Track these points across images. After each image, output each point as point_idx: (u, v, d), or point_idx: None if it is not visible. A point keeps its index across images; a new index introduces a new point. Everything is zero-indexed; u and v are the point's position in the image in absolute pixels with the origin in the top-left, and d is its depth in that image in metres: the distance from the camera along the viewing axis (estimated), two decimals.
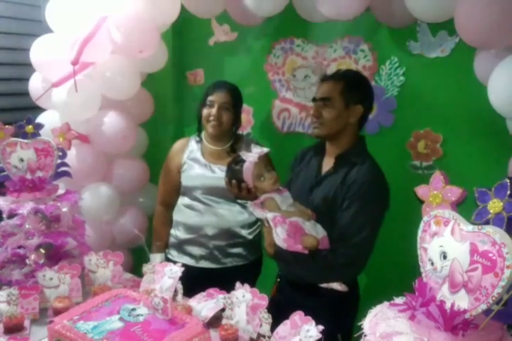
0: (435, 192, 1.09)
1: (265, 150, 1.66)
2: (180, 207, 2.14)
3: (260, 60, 2.42)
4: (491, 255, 0.92)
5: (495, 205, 1.02)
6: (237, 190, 1.69)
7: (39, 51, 2.29)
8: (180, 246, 2.12)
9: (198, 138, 2.14)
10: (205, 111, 2.02)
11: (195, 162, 2.09)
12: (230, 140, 2.10)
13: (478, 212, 1.04)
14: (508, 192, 1.01)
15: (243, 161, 1.65)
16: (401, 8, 1.76)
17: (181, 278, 1.84)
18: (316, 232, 1.59)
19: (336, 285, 1.64)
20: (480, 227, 0.96)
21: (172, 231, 2.18)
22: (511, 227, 0.98)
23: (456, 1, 1.60)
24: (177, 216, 2.15)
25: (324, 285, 1.65)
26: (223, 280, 1.62)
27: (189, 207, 2.10)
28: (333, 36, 2.16)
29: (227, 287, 1.49)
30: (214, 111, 1.99)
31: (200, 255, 2.08)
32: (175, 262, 1.99)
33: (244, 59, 2.48)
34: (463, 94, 1.85)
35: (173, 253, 2.15)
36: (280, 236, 1.58)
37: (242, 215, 2.06)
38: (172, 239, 2.17)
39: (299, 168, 1.84)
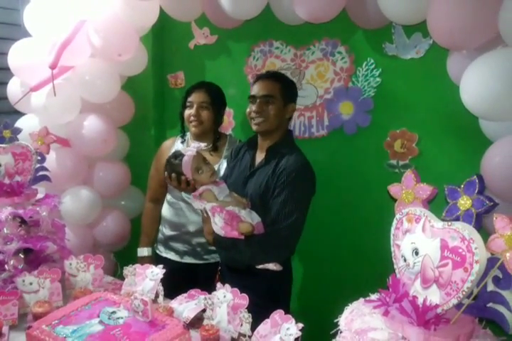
0: (407, 190, 1.12)
1: (202, 145, 1.78)
2: (166, 204, 2.24)
3: (240, 63, 2.43)
4: (460, 250, 0.95)
5: (464, 202, 1.04)
6: (177, 182, 1.78)
7: (17, 55, 2.27)
8: (166, 242, 2.22)
9: (181, 139, 2.21)
10: (186, 112, 2.11)
11: None
12: (212, 138, 2.15)
13: (449, 209, 1.06)
14: (477, 189, 1.03)
15: (182, 155, 1.74)
16: (375, 10, 1.79)
17: (168, 273, 1.95)
18: (251, 219, 1.71)
19: (272, 266, 1.76)
20: (450, 224, 0.99)
21: (160, 227, 2.28)
22: (480, 223, 1.01)
23: (428, 3, 1.63)
24: (164, 213, 2.25)
25: (260, 266, 1.76)
26: (207, 275, 1.71)
27: (173, 204, 2.19)
28: (311, 38, 2.18)
29: (212, 281, 1.51)
30: (193, 111, 2.06)
31: (183, 251, 2.17)
32: (162, 257, 2.20)
33: (225, 61, 2.49)
34: (437, 94, 1.89)
35: (161, 249, 2.25)
36: (218, 225, 1.70)
37: None
38: (160, 235, 2.27)
39: (233, 163, 1.97)
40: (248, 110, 1.84)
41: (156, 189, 2.27)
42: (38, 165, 1.88)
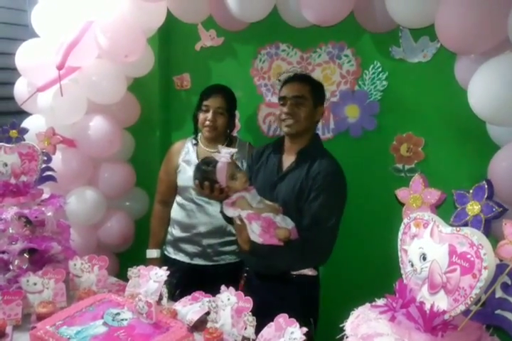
0: (415, 194, 1.11)
1: (234, 150, 1.71)
2: (176, 206, 2.23)
3: (246, 65, 2.43)
4: (469, 256, 0.94)
5: (473, 207, 1.04)
6: (210, 190, 1.71)
7: (25, 56, 2.28)
8: (176, 243, 2.21)
9: (194, 141, 2.21)
10: (201, 116, 2.09)
11: (190, 164, 2.14)
12: (224, 142, 2.15)
13: (457, 214, 1.06)
14: (486, 194, 1.02)
15: (215, 162, 1.68)
16: (383, 13, 1.79)
17: (177, 274, 2.02)
18: (286, 224, 1.68)
19: (307, 271, 1.74)
20: (458, 229, 0.98)
21: (169, 228, 2.27)
22: (489, 229, 1.00)
23: (436, 7, 1.63)
24: (173, 214, 2.24)
25: (296, 272, 1.74)
26: (216, 276, 1.71)
27: (183, 206, 2.18)
28: (318, 41, 2.18)
29: (220, 283, 1.51)
30: (209, 116, 2.05)
31: (193, 252, 2.16)
32: (171, 258, 2.20)
33: (231, 64, 2.49)
34: (444, 99, 1.88)
35: (170, 250, 2.24)
36: (256, 232, 1.64)
37: None
38: (169, 236, 2.26)
39: (257, 167, 1.92)
40: (278, 112, 1.82)
41: (165, 191, 2.26)
42: (44, 166, 1.89)
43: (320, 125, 2.22)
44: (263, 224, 1.63)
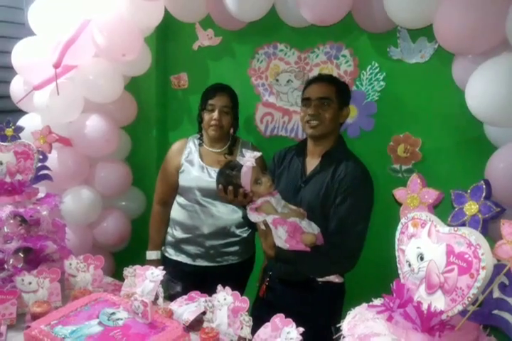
0: (413, 194, 1.11)
1: (258, 154, 1.66)
2: (178, 207, 2.18)
3: (244, 65, 2.43)
4: (466, 256, 0.94)
5: (471, 207, 1.03)
6: (234, 195, 1.67)
7: (21, 54, 2.27)
8: (177, 244, 2.17)
9: (199, 141, 2.18)
10: (206, 116, 2.07)
11: (193, 164, 2.12)
12: (227, 142, 2.15)
13: (455, 214, 1.05)
14: (484, 194, 1.02)
15: (239, 166, 1.64)
16: (381, 14, 1.79)
17: (178, 275, 2.02)
18: (312, 229, 1.64)
19: (334, 278, 1.70)
20: (456, 229, 0.97)
21: (169, 229, 2.23)
22: (486, 229, 1.00)
23: (434, 7, 1.63)
24: (174, 215, 2.20)
25: (322, 279, 1.69)
26: (219, 277, 1.70)
27: (186, 207, 2.14)
28: (316, 41, 2.18)
29: (223, 284, 1.49)
30: (215, 115, 2.03)
31: (196, 254, 2.13)
32: (172, 260, 2.16)
33: (228, 63, 2.49)
34: (442, 99, 1.88)
35: (170, 252, 2.20)
36: (282, 238, 1.61)
37: (236, 214, 2.09)
38: (169, 238, 2.22)
39: (280, 171, 1.87)
40: (302, 114, 1.76)
41: (165, 192, 2.22)
42: (40, 164, 1.87)
43: None
44: (289, 229, 1.59)
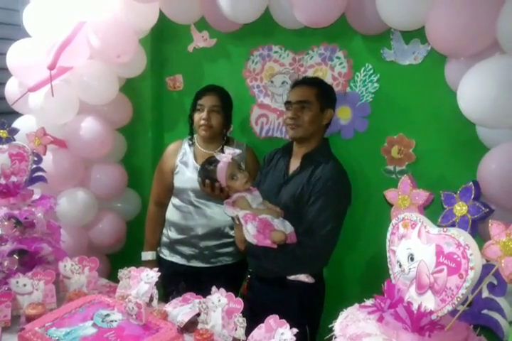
0: (403, 195, 1.12)
1: (237, 151, 1.73)
2: (172, 208, 2.20)
3: (239, 66, 2.43)
4: (455, 257, 0.95)
5: (460, 208, 1.04)
6: (210, 189, 1.76)
7: (16, 55, 2.27)
8: (172, 245, 2.18)
9: (190, 142, 2.20)
10: (196, 116, 2.09)
11: (187, 165, 2.14)
12: (220, 142, 2.16)
13: (445, 215, 1.06)
14: (473, 195, 1.03)
15: (217, 161, 1.72)
16: (374, 16, 1.80)
17: (173, 276, 2.04)
18: (284, 228, 1.68)
19: (303, 277, 1.73)
20: (445, 230, 0.98)
21: (164, 230, 2.25)
22: (475, 229, 1.01)
23: (427, 10, 1.64)
24: (169, 216, 2.22)
25: (292, 277, 1.73)
26: (214, 278, 1.73)
27: (180, 208, 2.16)
28: (310, 43, 2.19)
29: (218, 285, 1.50)
30: (204, 114, 2.05)
31: (190, 255, 2.15)
32: (167, 261, 2.18)
33: (223, 65, 2.49)
34: (435, 101, 1.89)
35: (165, 252, 2.22)
36: (250, 233, 1.66)
37: None
38: (164, 239, 2.24)
39: (267, 170, 1.93)
40: (284, 116, 1.82)
41: (161, 192, 2.25)
42: (35, 166, 1.87)
43: None
44: (259, 225, 1.64)
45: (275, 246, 1.65)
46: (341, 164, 1.80)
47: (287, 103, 1.82)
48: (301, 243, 1.68)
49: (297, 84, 1.85)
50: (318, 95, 1.79)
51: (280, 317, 1.30)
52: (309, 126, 1.77)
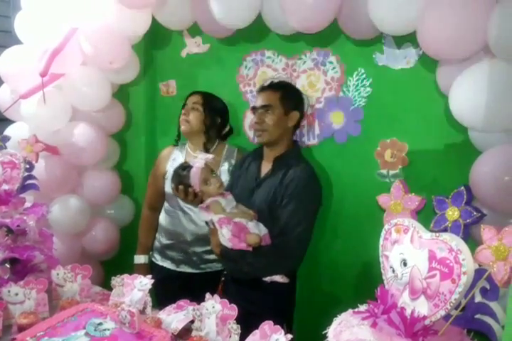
0: (396, 200, 1.12)
1: (210, 156, 1.76)
2: (163, 213, 2.23)
3: (232, 72, 2.43)
4: (448, 262, 0.95)
5: (452, 213, 1.04)
6: (184, 194, 1.77)
7: (7, 62, 2.26)
8: (163, 250, 2.21)
9: (178, 146, 2.24)
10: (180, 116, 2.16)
11: None
12: (203, 142, 2.17)
13: (437, 220, 1.06)
14: (464, 200, 1.03)
15: (190, 167, 1.74)
16: (366, 21, 1.80)
17: (164, 282, 2.00)
18: (258, 231, 1.70)
19: (279, 278, 1.74)
20: (437, 235, 0.98)
21: (157, 234, 2.27)
22: (467, 234, 1.01)
23: (418, 14, 1.65)
24: (161, 221, 2.24)
25: (267, 278, 1.75)
26: (204, 284, 1.73)
27: (169, 213, 2.19)
28: (303, 48, 2.19)
29: (207, 290, 1.50)
30: (184, 110, 2.14)
31: (179, 260, 2.16)
32: (158, 265, 2.20)
33: (216, 70, 2.49)
34: (427, 105, 1.89)
35: (157, 257, 2.24)
36: (225, 236, 1.69)
37: None
38: (156, 243, 2.26)
39: (238, 173, 1.96)
40: (250, 122, 1.84)
41: (153, 197, 2.27)
42: (26, 174, 1.86)
43: (305, 131, 2.23)
44: (233, 229, 1.67)
45: (250, 249, 1.68)
46: (312, 166, 1.84)
47: (253, 108, 1.87)
48: (274, 245, 1.71)
49: (262, 89, 1.89)
50: (281, 99, 1.82)
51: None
52: (274, 129, 1.81)
